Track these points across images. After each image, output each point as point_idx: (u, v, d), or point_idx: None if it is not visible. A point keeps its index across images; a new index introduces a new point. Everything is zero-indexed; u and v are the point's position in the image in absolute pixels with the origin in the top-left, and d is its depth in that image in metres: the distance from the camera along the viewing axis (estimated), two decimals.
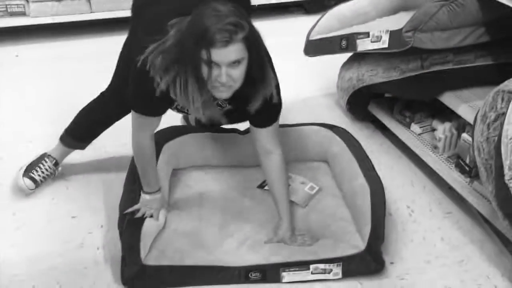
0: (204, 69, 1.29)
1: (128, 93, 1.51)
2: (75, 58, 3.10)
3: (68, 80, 2.81)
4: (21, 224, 1.78)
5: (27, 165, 1.92)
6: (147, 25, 1.51)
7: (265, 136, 1.60)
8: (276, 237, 1.63)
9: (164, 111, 1.55)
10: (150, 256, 1.55)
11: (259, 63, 1.36)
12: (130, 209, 1.63)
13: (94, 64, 2.92)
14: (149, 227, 1.60)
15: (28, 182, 1.88)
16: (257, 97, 1.45)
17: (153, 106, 1.49)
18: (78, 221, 1.79)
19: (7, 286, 1.53)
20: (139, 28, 1.58)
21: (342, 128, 2.05)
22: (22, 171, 1.90)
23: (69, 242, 1.70)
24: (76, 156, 2.00)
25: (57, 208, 1.86)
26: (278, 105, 1.57)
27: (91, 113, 1.89)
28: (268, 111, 1.54)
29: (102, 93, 1.86)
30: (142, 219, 1.60)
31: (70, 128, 1.92)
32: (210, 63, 1.27)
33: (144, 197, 1.65)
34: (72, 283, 1.55)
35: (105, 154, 2.14)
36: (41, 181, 1.91)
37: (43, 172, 1.91)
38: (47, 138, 2.07)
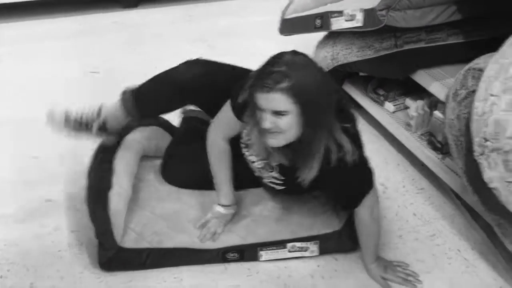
0: (256, 113, 1.29)
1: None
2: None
3: (38, 60, 2.75)
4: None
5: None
6: None
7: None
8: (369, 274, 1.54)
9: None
10: (128, 238, 1.55)
11: (311, 124, 1.27)
12: (200, 223, 1.59)
13: (64, 45, 2.86)
14: (116, 205, 1.57)
15: (60, 116, 1.64)
16: (304, 166, 1.35)
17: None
18: (52, 204, 1.77)
19: None
20: None
21: None
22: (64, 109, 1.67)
23: (43, 226, 1.69)
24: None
25: (30, 191, 1.83)
26: (362, 186, 1.44)
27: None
28: (346, 191, 1.45)
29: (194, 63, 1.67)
30: (105, 198, 1.56)
31: (137, 90, 1.67)
32: (257, 106, 1.26)
33: (218, 209, 1.60)
34: (48, 267, 1.54)
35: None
36: (75, 122, 1.64)
37: (83, 116, 1.65)
38: (18, 122, 2.03)
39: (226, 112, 1.51)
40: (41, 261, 1.56)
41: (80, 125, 1.65)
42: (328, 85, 1.30)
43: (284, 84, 1.20)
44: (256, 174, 1.60)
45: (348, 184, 1.43)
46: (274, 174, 1.52)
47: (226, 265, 1.56)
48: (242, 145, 1.57)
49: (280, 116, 1.24)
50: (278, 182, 1.54)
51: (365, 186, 1.46)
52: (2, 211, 1.74)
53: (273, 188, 1.59)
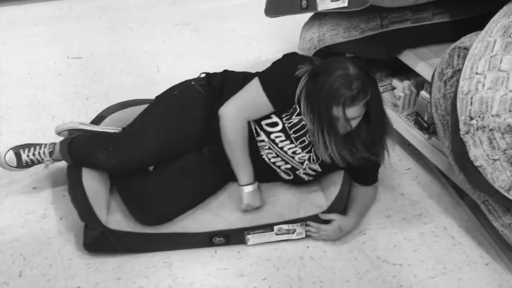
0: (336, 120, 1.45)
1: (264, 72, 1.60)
2: (27, 23, 2.96)
3: (19, 46, 2.70)
4: None
5: (22, 143, 1.72)
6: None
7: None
8: (335, 223, 1.61)
9: (279, 107, 1.54)
10: (113, 219, 1.55)
11: (376, 120, 1.51)
12: (242, 208, 1.60)
13: (45, 30, 2.80)
14: (89, 185, 1.56)
15: (10, 156, 1.67)
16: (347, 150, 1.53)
17: (280, 90, 1.53)
18: (38, 192, 1.76)
19: None
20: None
21: None
22: (11, 145, 1.70)
23: (30, 213, 1.67)
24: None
25: (16, 179, 1.81)
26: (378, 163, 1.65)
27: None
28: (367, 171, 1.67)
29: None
30: (80, 182, 1.55)
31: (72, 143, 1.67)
32: (335, 115, 1.44)
33: (246, 190, 1.59)
34: (36, 254, 1.54)
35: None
36: (26, 162, 1.68)
37: (33, 155, 1.68)
38: (3, 109, 1.99)
39: (258, 96, 1.53)
40: (29, 249, 1.55)
41: (32, 163, 1.69)
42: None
43: (365, 99, 1.43)
44: (281, 166, 1.63)
45: (373, 165, 1.65)
46: (314, 166, 1.61)
47: (216, 248, 1.57)
48: (277, 136, 1.57)
49: (355, 119, 1.46)
50: (313, 173, 1.63)
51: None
52: None
53: (299, 178, 1.64)
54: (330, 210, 1.60)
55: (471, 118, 1.33)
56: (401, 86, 2.00)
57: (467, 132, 1.33)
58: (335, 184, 1.65)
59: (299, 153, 1.58)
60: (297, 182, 1.68)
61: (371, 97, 1.44)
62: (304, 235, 1.60)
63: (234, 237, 1.57)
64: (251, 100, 1.55)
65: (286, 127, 1.56)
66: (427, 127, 1.86)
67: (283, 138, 1.57)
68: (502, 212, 1.42)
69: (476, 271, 1.53)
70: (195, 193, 1.63)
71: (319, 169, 1.62)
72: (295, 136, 1.56)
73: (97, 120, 1.85)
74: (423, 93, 1.85)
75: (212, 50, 2.70)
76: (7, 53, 2.63)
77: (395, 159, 1.96)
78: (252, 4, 2.60)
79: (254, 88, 1.54)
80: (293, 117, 1.55)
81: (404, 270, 1.53)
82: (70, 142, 1.66)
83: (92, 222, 1.49)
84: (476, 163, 1.32)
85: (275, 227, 1.57)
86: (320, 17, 2.19)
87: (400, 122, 1.97)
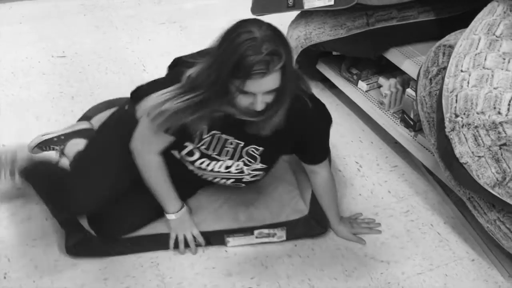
0: (237, 97, 1.21)
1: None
2: (11, 22, 2.92)
3: (3, 45, 2.66)
4: None
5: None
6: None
7: (312, 166, 1.52)
8: (340, 235, 1.60)
9: (175, 134, 1.37)
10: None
11: (287, 85, 1.23)
12: (171, 243, 1.52)
13: (29, 28, 2.76)
14: None
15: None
16: (273, 114, 1.29)
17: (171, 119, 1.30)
18: (23, 193, 1.73)
19: None
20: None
21: None
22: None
23: (15, 214, 1.65)
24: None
25: None
26: (327, 136, 1.49)
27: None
28: (315, 141, 1.47)
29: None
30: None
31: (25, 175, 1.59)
32: (243, 92, 1.19)
33: (173, 218, 1.51)
34: (21, 256, 1.52)
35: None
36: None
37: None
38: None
39: (150, 131, 1.37)
40: (14, 251, 1.53)
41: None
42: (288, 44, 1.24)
43: (278, 65, 1.16)
44: (209, 178, 1.50)
45: (316, 132, 1.45)
46: (255, 166, 1.45)
47: (204, 248, 1.56)
48: (201, 162, 1.44)
49: (270, 93, 1.22)
50: (260, 172, 1.47)
51: (328, 137, 1.50)
52: None
53: (250, 182, 1.50)
54: (312, 214, 1.58)
55: (456, 116, 1.34)
56: (387, 84, 2.01)
57: (453, 130, 1.34)
58: (308, 188, 1.64)
59: (232, 164, 1.44)
60: (252, 184, 1.53)
61: (288, 63, 1.19)
62: (285, 238, 1.58)
63: (214, 239, 1.55)
64: (149, 136, 1.39)
65: (203, 150, 1.42)
66: (413, 125, 1.87)
67: (207, 161, 1.44)
68: (487, 209, 1.44)
69: (462, 267, 1.55)
70: (117, 181, 1.48)
71: (263, 165, 1.46)
72: (216, 153, 1.43)
73: (83, 120, 1.84)
74: (409, 90, 1.86)
75: (198, 48, 2.68)
76: None
77: (382, 157, 1.98)
78: (238, 2, 2.60)
79: (143, 125, 1.39)
80: (203, 137, 1.40)
81: (391, 267, 1.54)
82: (26, 177, 1.57)
83: (74, 227, 1.48)
84: (462, 160, 1.33)
85: (255, 231, 1.55)
86: (307, 15, 2.20)
87: (386, 119, 1.98)
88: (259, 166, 1.46)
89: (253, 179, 1.49)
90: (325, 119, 1.47)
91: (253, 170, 1.46)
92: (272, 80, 1.18)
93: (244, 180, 1.49)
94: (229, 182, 1.49)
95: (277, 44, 1.16)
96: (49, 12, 3.03)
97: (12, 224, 1.61)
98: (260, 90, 1.19)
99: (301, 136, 1.43)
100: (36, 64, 2.48)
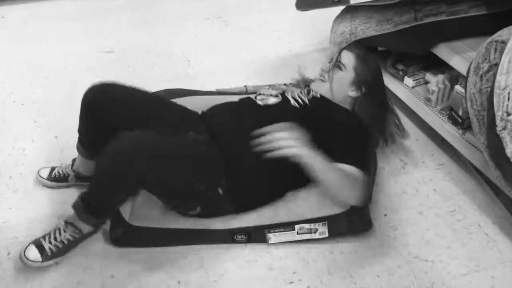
0: None
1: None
2: (61, 19, 3.03)
3: (54, 41, 2.76)
4: (18, 187, 1.79)
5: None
6: None
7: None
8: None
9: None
10: (136, 216, 1.57)
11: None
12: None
13: (79, 25, 2.86)
14: None
15: (31, 250, 1.46)
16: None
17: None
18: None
19: (8, 247, 1.56)
20: None
21: None
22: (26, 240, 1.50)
23: (67, 203, 1.72)
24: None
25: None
26: (352, 142, 1.55)
27: None
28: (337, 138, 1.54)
29: None
30: None
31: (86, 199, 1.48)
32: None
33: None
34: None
35: None
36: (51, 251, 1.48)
37: (55, 240, 1.49)
38: (40, 102, 2.04)
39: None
40: None
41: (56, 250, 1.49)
42: None
43: None
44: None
45: (336, 126, 1.57)
46: (304, 96, 1.68)
47: (246, 244, 1.58)
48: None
49: None
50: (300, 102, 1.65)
51: (355, 141, 1.55)
52: (27, 191, 1.78)
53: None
54: (354, 209, 1.56)
55: (508, 114, 1.30)
56: (435, 80, 1.96)
57: (504, 128, 1.31)
58: None
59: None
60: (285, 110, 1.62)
61: None
62: (327, 235, 1.57)
63: (255, 235, 1.56)
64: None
65: None
66: (461, 122, 1.83)
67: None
68: None
69: (510, 269, 1.50)
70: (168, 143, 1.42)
71: (306, 101, 1.65)
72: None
73: None
74: (458, 87, 1.81)
75: (242, 44, 2.71)
76: (45, 47, 2.70)
77: (428, 155, 1.94)
78: None
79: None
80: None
81: (436, 267, 1.51)
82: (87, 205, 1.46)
83: (118, 221, 1.53)
84: None
85: (296, 226, 1.55)
86: (352, 10, 2.17)
87: (433, 116, 1.94)
88: (304, 98, 1.67)
89: (291, 100, 1.67)
90: (354, 123, 1.62)
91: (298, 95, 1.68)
92: None
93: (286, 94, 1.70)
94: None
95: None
96: (97, 8, 3.13)
97: (66, 213, 1.68)
98: None
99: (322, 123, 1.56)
100: (85, 60, 2.56)
